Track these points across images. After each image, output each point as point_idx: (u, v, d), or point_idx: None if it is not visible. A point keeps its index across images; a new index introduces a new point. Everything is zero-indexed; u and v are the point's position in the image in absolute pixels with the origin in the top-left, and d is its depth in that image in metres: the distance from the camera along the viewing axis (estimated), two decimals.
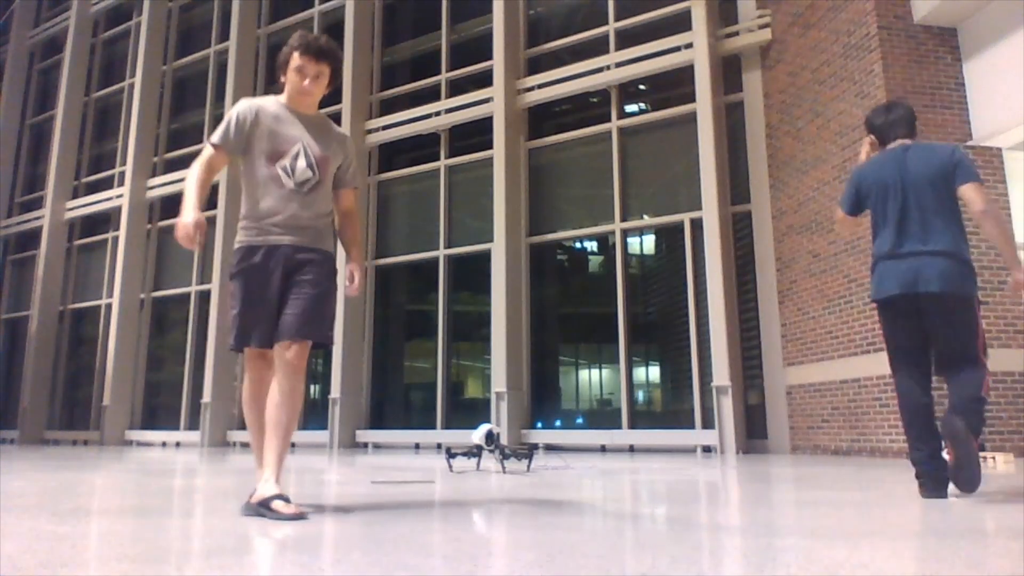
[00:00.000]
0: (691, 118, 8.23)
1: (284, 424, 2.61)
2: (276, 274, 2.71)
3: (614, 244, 8.64)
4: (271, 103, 2.85)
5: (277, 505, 2.45)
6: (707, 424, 7.57)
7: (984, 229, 3.00)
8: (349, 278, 2.91)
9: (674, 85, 8.60)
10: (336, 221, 3.01)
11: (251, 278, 2.72)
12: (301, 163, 2.76)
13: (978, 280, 3.15)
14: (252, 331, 2.70)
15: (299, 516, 2.43)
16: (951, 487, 3.02)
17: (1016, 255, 2.98)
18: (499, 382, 8.56)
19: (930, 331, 3.06)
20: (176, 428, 11.46)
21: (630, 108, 9.18)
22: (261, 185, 2.75)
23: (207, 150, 2.80)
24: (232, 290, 2.77)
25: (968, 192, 2.99)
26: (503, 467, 4.83)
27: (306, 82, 2.79)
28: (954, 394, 2.98)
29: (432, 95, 10.31)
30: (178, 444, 11.10)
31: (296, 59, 2.78)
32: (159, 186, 12.57)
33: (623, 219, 8.63)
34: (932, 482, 3.00)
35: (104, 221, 13.48)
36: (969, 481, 2.87)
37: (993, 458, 4.89)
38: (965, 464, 2.85)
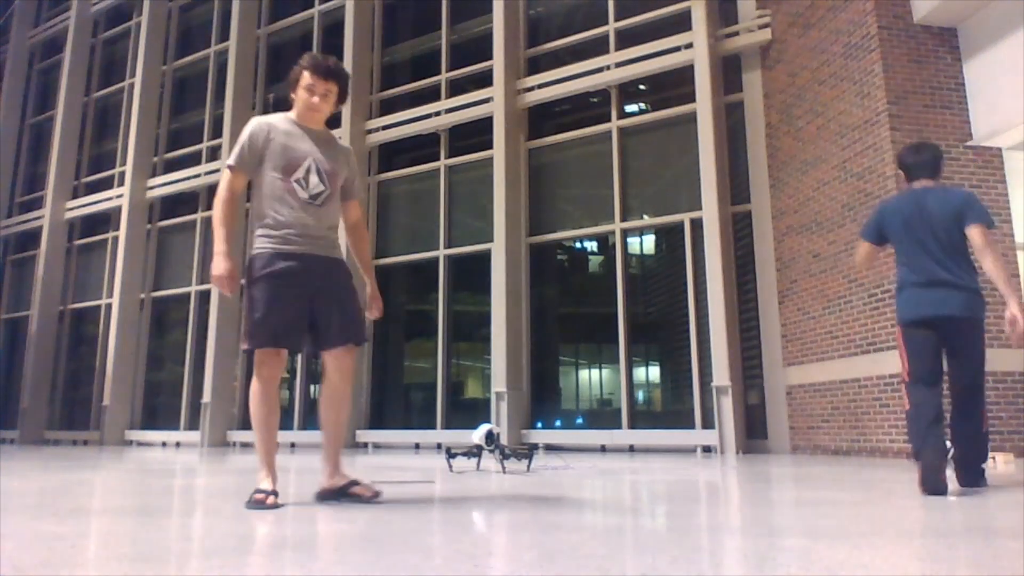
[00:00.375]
0: (691, 118, 8.23)
1: (343, 423, 3.03)
2: (304, 281, 2.88)
3: (614, 244, 8.64)
4: (281, 120, 3.03)
5: (356, 490, 2.90)
6: (707, 424, 7.57)
7: (984, 265, 3.35)
8: (371, 302, 3.17)
9: (674, 85, 8.60)
10: (347, 238, 3.27)
11: (278, 283, 2.85)
12: (314, 177, 2.96)
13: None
14: (281, 333, 2.85)
15: (376, 495, 2.89)
16: (951, 485, 3.17)
17: (1012, 291, 3.30)
18: (499, 382, 8.56)
19: (948, 350, 3.43)
20: (176, 428, 11.46)
21: (630, 108, 9.18)
22: (278, 198, 2.92)
23: (226, 174, 2.97)
24: (253, 294, 2.88)
25: (973, 232, 3.35)
26: (503, 467, 4.83)
27: (315, 99, 2.99)
28: (963, 425, 3.35)
29: (432, 95, 10.31)
30: (178, 444, 11.10)
31: (306, 78, 2.99)
32: (159, 186, 12.56)
33: (623, 219, 8.63)
34: (934, 472, 3.12)
35: (104, 221, 13.48)
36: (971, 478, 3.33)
37: (993, 458, 4.88)
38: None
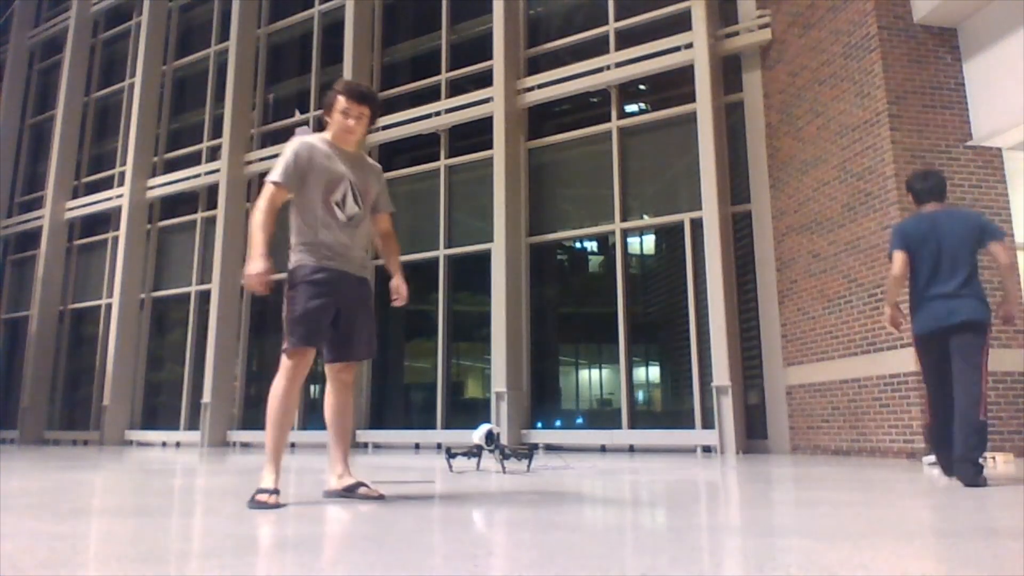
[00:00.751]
0: (691, 118, 8.23)
1: (349, 428, 3.25)
2: (336, 293, 3.04)
3: (614, 244, 8.64)
4: (319, 142, 3.17)
5: (363, 491, 3.06)
6: (707, 424, 7.57)
7: (1003, 276, 3.85)
8: (396, 291, 3.33)
9: (674, 85, 8.60)
10: (378, 243, 3.47)
11: (318, 289, 3.00)
12: (350, 199, 3.14)
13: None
14: (317, 331, 3.00)
15: (380, 496, 3.04)
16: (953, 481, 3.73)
17: (1014, 299, 3.79)
18: (499, 382, 8.56)
19: (952, 349, 3.81)
20: (176, 428, 11.46)
21: (630, 108, 9.18)
22: (319, 218, 3.08)
23: (268, 188, 3.07)
24: (295, 296, 3.01)
25: (996, 249, 3.79)
26: (503, 467, 4.83)
27: (350, 122, 3.15)
28: (960, 418, 3.69)
29: (432, 95, 10.31)
30: (178, 444, 11.10)
31: (342, 102, 3.15)
32: (159, 186, 12.57)
33: (623, 219, 8.62)
34: (948, 461, 3.82)
35: (104, 221, 13.48)
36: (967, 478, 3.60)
37: (993, 458, 4.89)
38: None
